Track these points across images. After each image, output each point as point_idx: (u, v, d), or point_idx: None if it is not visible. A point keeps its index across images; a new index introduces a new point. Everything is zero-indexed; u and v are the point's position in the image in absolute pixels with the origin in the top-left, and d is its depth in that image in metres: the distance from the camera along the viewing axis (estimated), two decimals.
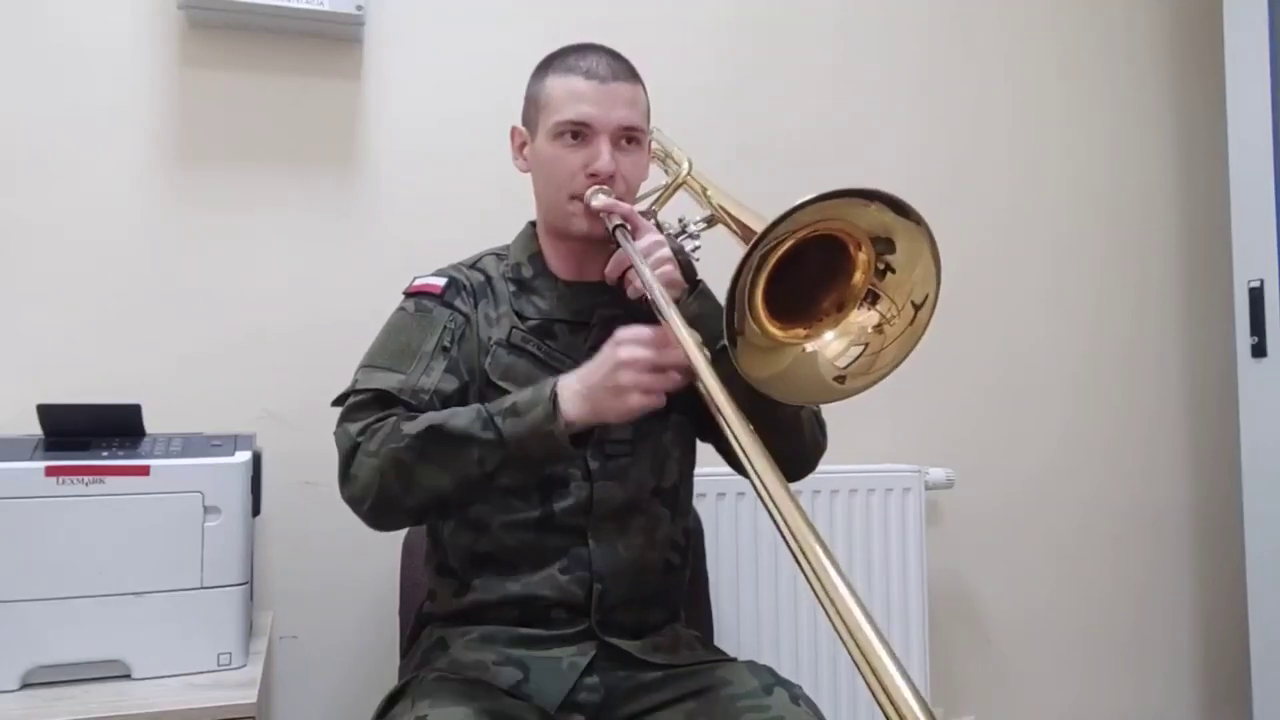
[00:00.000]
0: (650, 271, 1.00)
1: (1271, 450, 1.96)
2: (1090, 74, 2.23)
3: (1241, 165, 2.04)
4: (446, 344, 1.11)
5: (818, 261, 0.90)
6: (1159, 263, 2.27)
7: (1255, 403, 2.00)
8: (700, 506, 1.29)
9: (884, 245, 0.89)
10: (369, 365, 1.10)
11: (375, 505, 1.00)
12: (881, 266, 0.90)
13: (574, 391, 0.95)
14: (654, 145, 1.28)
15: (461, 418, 0.98)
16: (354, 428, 1.03)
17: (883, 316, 0.91)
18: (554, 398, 0.95)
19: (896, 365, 0.91)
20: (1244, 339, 2.01)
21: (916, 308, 0.89)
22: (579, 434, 0.96)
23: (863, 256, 0.90)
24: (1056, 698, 2.09)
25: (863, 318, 0.92)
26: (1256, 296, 1.98)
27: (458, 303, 1.15)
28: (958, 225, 2.01)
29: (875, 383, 0.92)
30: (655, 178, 1.29)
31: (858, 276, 0.91)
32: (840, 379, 0.92)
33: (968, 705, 2.03)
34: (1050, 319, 2.16)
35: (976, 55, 2.13)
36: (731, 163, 1.66)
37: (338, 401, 1.09)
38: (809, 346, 0.93)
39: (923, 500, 1.83)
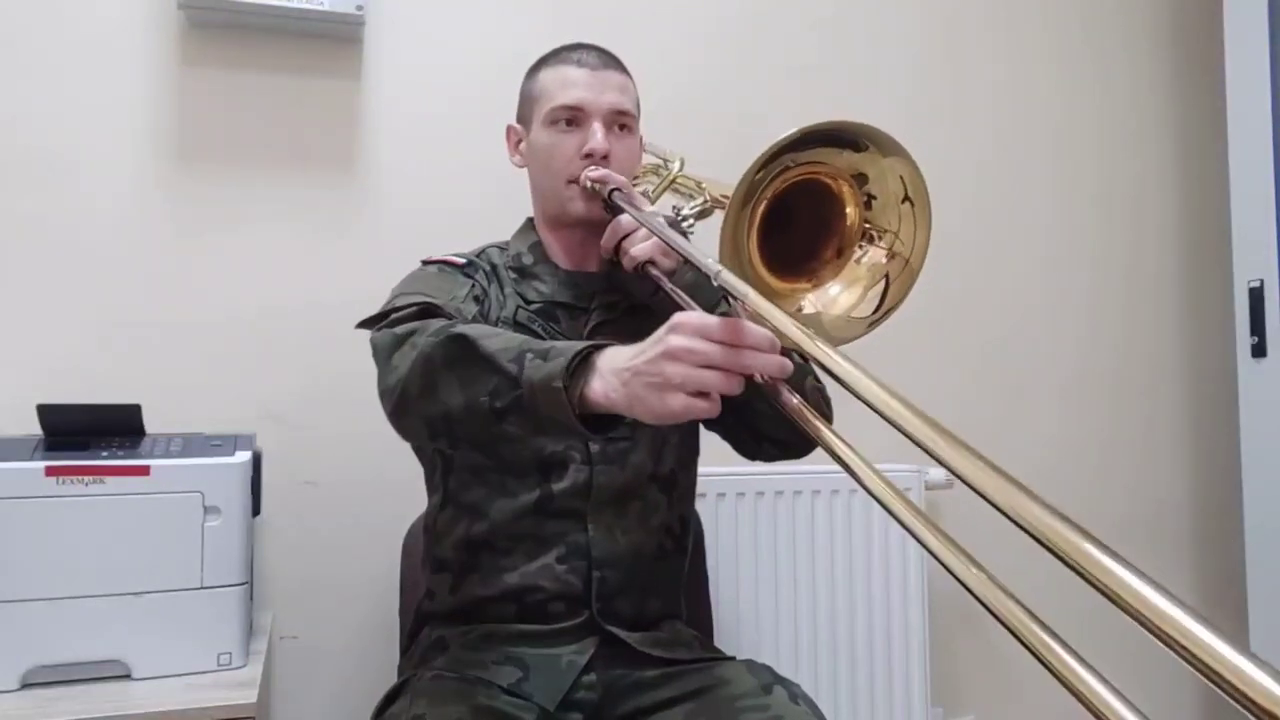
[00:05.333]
0: (657, 219, 1.00)
1: (1271, 450, 1.96)
2: (1088, 73, 2.23)
3: (1241, 165, 2.03)
4: (478, 294, 1.12)
5: (807, 216, 0.91)
6: (1158, 262, 2.27)
7: (1255, 403, 1.99)
8: (700, 506, 1.29)
9: (860, 179, 0.90)
10: (404, 293, 1.07)
11: (401, 397, 0.92)
12: (865, 199, 0.91)
13: (618, 368, 0.79)
14: (644, 160, 1.28)
15: (499, 340, 0.88)
16: (400, 330, 0.97)
17: (888, 245, 0.91)
18: (586, 356, 0.81)
19: (928, 247, 0.89)
20: (1244, 339, 2.00)
21: (909, 200, 0.89)
22: (602, 417, 0.81)
23: (847, 190, 0.91)
24: (1056, 698, 2.07)
25: (870, 256, 0.92)
26: (1256, 296, 1.98)
27: (478, 276, 1.17)
28: (954, 225, 2.01)
29: (920, 269, 0.90)
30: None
31: (850, 211, 0.92)
32: (878, 318, 0.91)
33: (968, 705, 2.03)
34: (1049, 319, 2.16)
35: (969, 53, 2.13)
36: (724, 160, 1.66)
37: (368, 322, 1.04)
38: (808, 306, 0.92)
39: (922, 500, 1.83)
